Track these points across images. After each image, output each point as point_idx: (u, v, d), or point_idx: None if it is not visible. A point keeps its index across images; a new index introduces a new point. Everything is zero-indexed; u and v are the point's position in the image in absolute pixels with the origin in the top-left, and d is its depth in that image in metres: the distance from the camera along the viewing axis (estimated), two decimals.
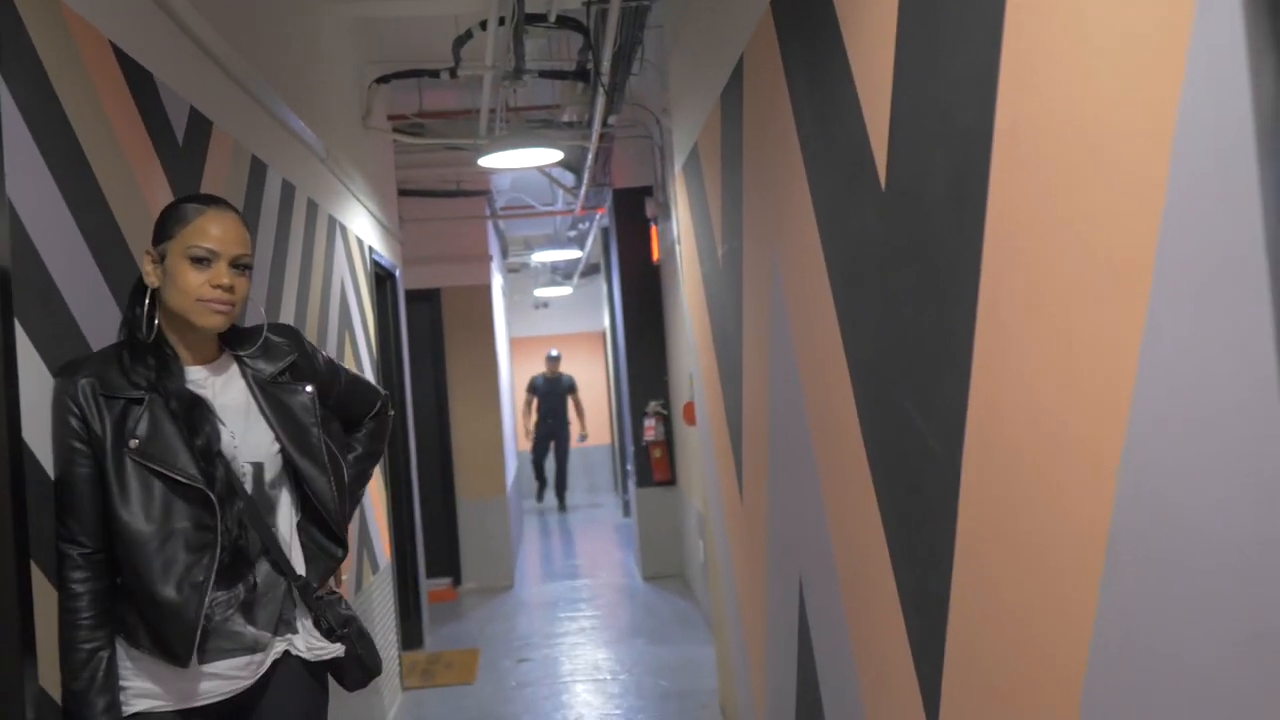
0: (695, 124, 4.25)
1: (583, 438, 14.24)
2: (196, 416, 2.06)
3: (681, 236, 4.98)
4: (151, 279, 2.08)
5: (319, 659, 2.21)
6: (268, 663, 2.14)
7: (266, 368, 2.23)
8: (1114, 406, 1.27)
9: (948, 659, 1.88)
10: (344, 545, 2.27)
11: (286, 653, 2.17)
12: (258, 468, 2.17)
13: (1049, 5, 1.37)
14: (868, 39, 2.06)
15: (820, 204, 2.49)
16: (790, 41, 2.65)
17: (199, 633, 1.99)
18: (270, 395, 2.21)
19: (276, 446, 2.18)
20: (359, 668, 2.28)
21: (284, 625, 2.17)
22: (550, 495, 14.19)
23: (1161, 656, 1.21)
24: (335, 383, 2.43)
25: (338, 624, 2.23)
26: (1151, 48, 1.15)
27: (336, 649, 2.22)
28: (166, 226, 2.10)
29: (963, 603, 1.80)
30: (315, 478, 2.22)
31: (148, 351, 2.04)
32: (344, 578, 2.39)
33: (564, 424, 13.88)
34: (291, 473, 2.23)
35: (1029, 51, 1.43)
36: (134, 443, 1.97)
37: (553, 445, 13.87)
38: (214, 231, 2.09)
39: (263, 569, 2.15)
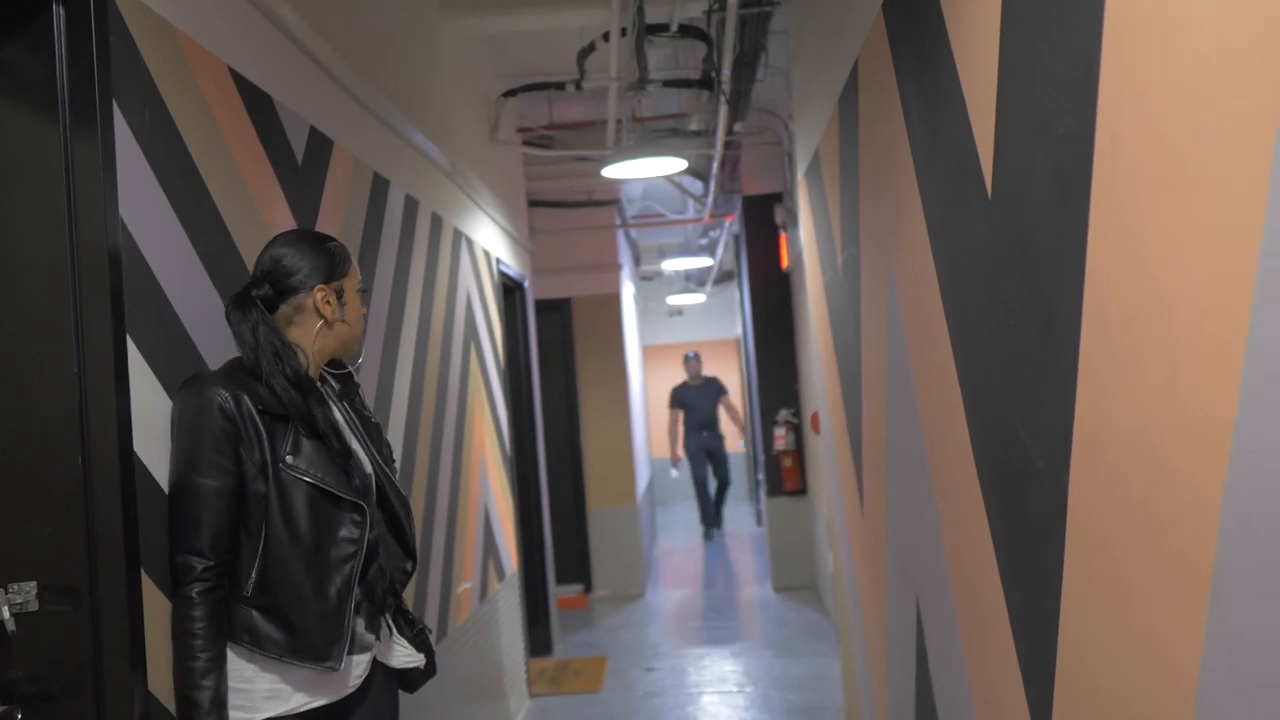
0: (817, 130, 4.19)
1: (746, 444, 12.45)
2: (343, 446, 2.18)
3: (805, 244, 4.92)
4: (333, 313, 2.22)
5: (405, 666, 2.34)
6: (368, 663, 2.22)
7: (345, 392, 2.36)
8: (1217, 429, 1.19)
9: (1057, 685, 1.80)
10: (415, 558, 2.37)
11: (374, 659, 2.27)
12: (372, 480, 2.27)
13: (1148, 10, 1.30)
14: (973, 41, 1.99)
15: (931, 211, 2.42)
16: (901, 46, 2.59)
17: (349, 637, 2.10)
18: (359, 416, 2.34)
19: (370, 463, 2.28)
20: (423, 672, 2.40)
21: (377, 629, 2.27)
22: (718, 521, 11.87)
23: (1269, 686, 1.13)
24: None
25: (419, 623, 2.38)
26: (1250, 55, 1.08)
27: (420, 659, 2.35)
28: (337, 265, 2.24)
29: (1071, 628, 1.72)
30: (396, 491, 2.33)
31: (297, 378, 2.12)
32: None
33: (718, 436, 11.62)
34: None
35: (1128, 56, 1.36)
36: (289, 458, 2.06)
37: (709, 463, 11.60)
38: None
39: (372, 575, 2.22)
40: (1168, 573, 1.35)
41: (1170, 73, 1.25)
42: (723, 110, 5.27)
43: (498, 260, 5.69)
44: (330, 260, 2.24)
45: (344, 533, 2.12)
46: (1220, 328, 1.17)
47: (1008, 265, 1.89)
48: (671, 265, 11.06)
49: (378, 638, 2.25)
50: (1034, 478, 1.83)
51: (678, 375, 12.88)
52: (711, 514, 11.73)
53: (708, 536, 11.66)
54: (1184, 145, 1.23)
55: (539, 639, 6.56)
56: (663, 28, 4.77)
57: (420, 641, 2.36)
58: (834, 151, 3.72)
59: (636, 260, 11.56)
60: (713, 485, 11.80)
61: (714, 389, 11.65)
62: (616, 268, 8.85)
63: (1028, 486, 1.87)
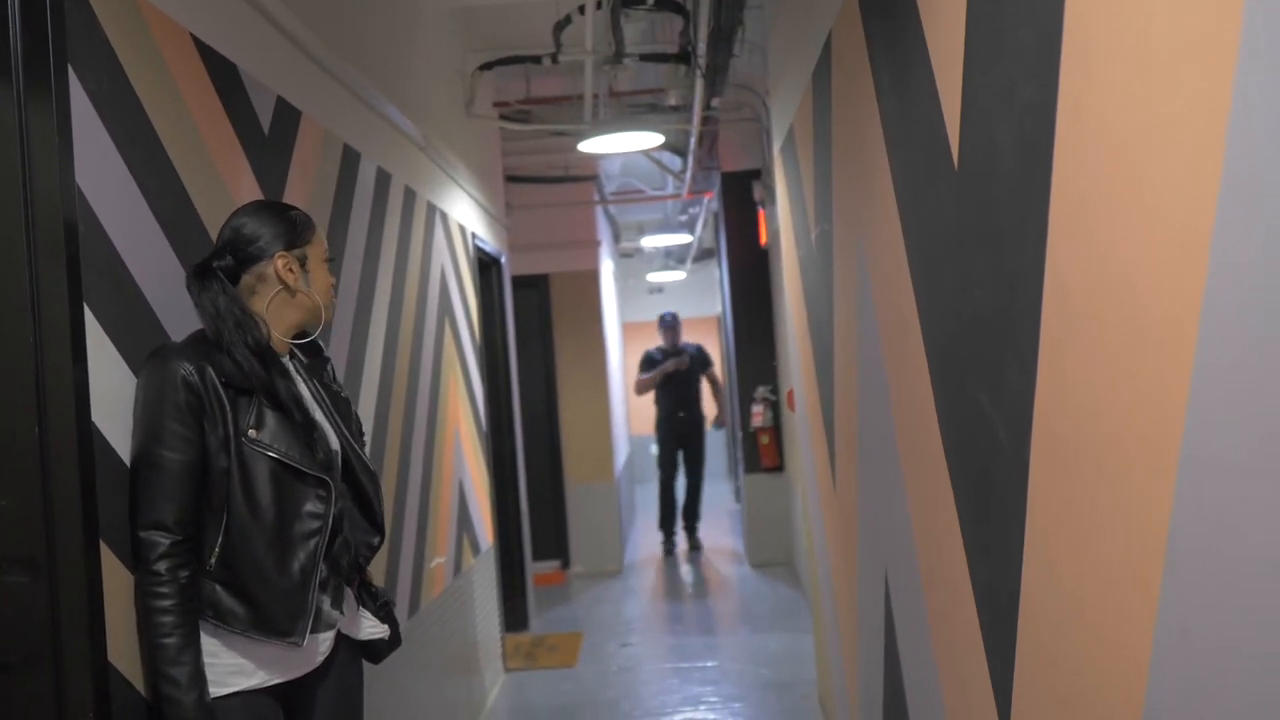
0: (791, 105, 4.17)
1: (717, 426, 10.30)
2: (307, 420, 2.16)
3: (781, 220, 4.91)
4: (295, 281, 2.18)
5: (371, 638, 2.34)
6: (332, 639, 2.22)
7: (313, 366, 2.34)
8: (1172, 398, 1.19)
9: (1018, 657, 1.81)
10: (383, 533, 2.36)
11: (338, 631, 2.26)
12: (337, 455, 2.25)
13: None
14: (941, 8, 1.98)
15: (900, 184, 2.41)
16: (872, 17, 2.57)
17: (313, 613, 2.09)
18: (328, 390, 2.32)
19: (337, 438, 2.26)
20: (388, 644, 2.39)
21: (341, 604, 2.26)
22: (680, 535, 9.62)
23: (1219, 656, 1.13)
24: None
25: (384, 597, 2.38)
26: (1206, 19, 1.07)
27: (384, 629, 2.35)
28: (299, 232, 2.21)
29: (1032, 599, 1.72)
30: (364, 466, 2.31)
31: (258, 349, 2.09)
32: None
33: (698, 419, 9.36)
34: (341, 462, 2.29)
35: (1090, 19, 1.35)
36: (252, 433, 2.04)
37: (682, 455, 9.39)
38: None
39: (337, 550, 2.21)
40: (1123, 548, 1.35)
41: (1131, 37, 1.24)
42: (699, 85, 5.25)
43: (473, 235, 5.66)
44: (292, 228, 2.21)
45: (308, 507, 2.10)
46: (1175, 300, 1.16)
47: (973, 237, 1.89)
48: (651, 242, 11.04)
49: (343, 613, 2.25)
50: (997, 451, 1.83)
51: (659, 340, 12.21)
52: (673, 521, 9.41)
53: (667, 550, 9.35)
54: (1141, 114, 1.22)
55: (515, 614, 6.56)
56: (639, 1, 4.74)
57: (384, 614, 2.35)
58: (808, 126, 3.71)
59: (616, 237, 11.53)
60: (682, 486, 9.55)
61: (694, 359, 9.43)
62: (595, 244, 8.83)
63: (991, 460, 1.87)
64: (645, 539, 10.37)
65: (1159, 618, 1.26)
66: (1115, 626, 1.39)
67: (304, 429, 2.12)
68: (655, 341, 9.80)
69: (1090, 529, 1.45)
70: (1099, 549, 1.43)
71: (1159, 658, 1.27)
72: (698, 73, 5.07)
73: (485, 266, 6.21)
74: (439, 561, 4.35)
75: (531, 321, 8.42)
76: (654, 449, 9.89)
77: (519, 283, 8.03)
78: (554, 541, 8.51)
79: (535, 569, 7.74)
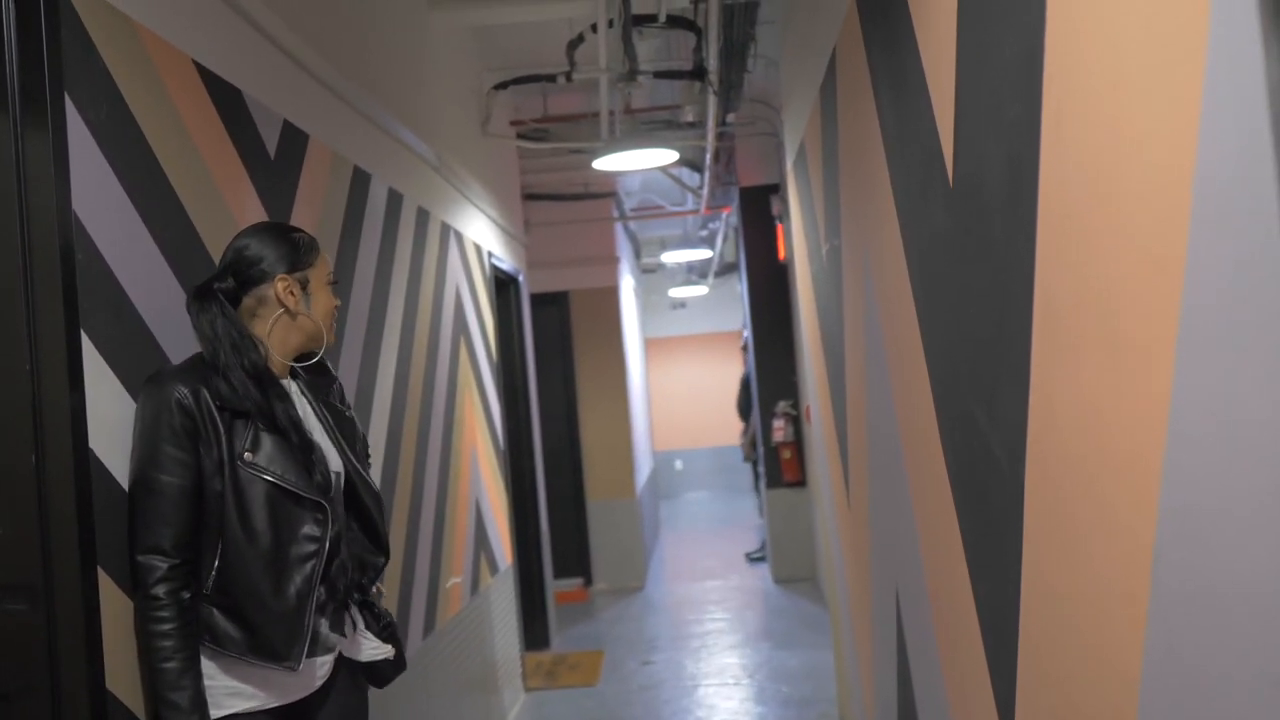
0: (802, 120, 4.17)
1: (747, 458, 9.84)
2: (305, 442, 2.14)
3: (794, 235, 4.90)
4: (296, 304, 2.18)
5: (372, 659, 2.31)
6: (332, 662, 2.21)
7: (317, 387, 2.32)
8: (1153, 413, 1.17)
9: (1020, 677, 1.78)
10: (387, 553, 2.35)
11: (340, 654, 2.24)
12: (338, 477, 2.23)
13: None
14: (934, 23, 1.97)
15: (901, 202, 2.40)
16: (872, 34, 2.56)
17: (309, 637, 2.07)
18: (332, 411, 2.30)
19: (340, 459, 2.25)
20: (392, 666, 2.36)
21: (341, 627, 2.25)
22: None
23: (1205, 675, 1.11)
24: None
25: (387, 618, 2.35)
26: (1173, 40, 1.06)
27: (388, 650, 2.32)
28: (301, 254, 2.21)
29: (1030, 619, 1.70)
30: (367, 487, 2.30)
31: (255, 371, 2.09)
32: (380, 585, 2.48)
33: None
34: (344, 483, 2.28)
35: (1070, 34, 1.34)
36: (248, 455, 2.03)
37: None
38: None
39: (334, 573, 2.20)
40: (1111, 568, 1.33)
41: (1108, 52, 1.23)
42: (712, 101, 5.25)
43: (490, 254, 5.67)
44: (295, 250, 2.21)
45: (305, 530, 2.09)
46: (1153, 314, 1.15)
47: (967, 255, 1.88)
48: (670, 258, 11.03)
49: (343, 635, 2.23)
50: (994, 468, 1.81)
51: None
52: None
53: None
54: (1118, 129, 1.21)
55: (536, 632, 6.55)
56: (651, 18, 4.75)
57: (387, 635, 2.33)
58: (817, 142, 3.70)
59: (637, 253, 11.53)
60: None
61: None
62: (614, 260, 8.83)
63: (989, 477, 1.85)
64: (669, 555, 10.34)
65: (1147, 638, 1.24)
66: (1106, 647, 1.37)
67: (302, 451, 2.11)
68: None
69: (1080, 549, 1.43)
70: (1089, 569, 1.41)
71: (1148, 677, 1.25)
72: (711, 89, 5.07)
73: (503, 284, 6.22)
74: (455, 581, 4.34)
75: (552, 339, 8.43)
76: (677, 464, 9.73)
77: (539, 300, 8.05)
78: (576, 559, 8.50)
79: (557, 586, 7.73)
